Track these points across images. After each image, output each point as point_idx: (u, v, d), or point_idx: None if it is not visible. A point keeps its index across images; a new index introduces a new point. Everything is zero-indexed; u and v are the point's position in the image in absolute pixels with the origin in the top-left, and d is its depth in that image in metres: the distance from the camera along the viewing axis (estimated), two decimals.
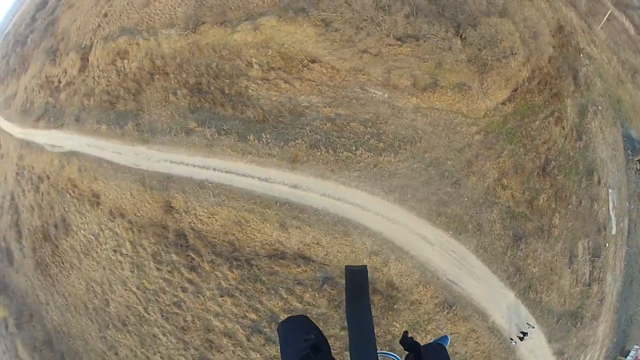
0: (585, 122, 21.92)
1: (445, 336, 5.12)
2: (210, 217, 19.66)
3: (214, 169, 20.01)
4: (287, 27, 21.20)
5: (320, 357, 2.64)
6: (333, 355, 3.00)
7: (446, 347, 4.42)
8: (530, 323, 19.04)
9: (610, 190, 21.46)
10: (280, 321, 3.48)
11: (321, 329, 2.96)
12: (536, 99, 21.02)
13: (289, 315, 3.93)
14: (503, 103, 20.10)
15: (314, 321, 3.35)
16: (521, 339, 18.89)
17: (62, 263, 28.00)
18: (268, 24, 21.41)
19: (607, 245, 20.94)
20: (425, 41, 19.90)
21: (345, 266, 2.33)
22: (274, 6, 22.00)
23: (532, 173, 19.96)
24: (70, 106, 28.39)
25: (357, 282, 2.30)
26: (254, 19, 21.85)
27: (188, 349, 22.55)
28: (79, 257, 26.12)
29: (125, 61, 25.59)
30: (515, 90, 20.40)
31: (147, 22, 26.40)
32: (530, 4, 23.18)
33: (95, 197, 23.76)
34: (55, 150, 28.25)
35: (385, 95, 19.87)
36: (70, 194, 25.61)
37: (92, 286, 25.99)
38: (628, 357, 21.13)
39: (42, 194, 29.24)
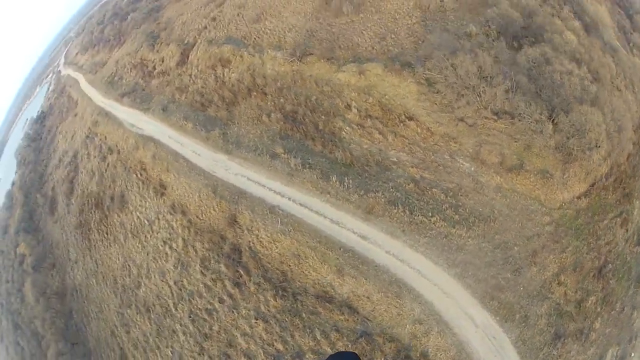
0: None
1: None
2: (271, 243, 20.19)
3: (289, 199, 20.67)
4: (392, 79, 21.97)
5: None
6: None
7: None
8: None
9: None
10: (329, 354, 3.71)
11: None
12: (609, 196, 20.83)
13: (340, 350, 4.22)
14: (579, 197, 19.96)
15: None
16: None
17: (107, 234, 28.94)
18: (373, 71, 22.26)
19: (632, 355, 20.38)
20: (519, 120, 20.20)
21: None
22: (383, 54, 22.85)
23: (589, 274, 19.69)
24: (159, 94, 29.89)
25: None
26: (360, 62, 22.76)
27: (203, 355, 22.75)
28: (126, 235, 26.99)
29: (226, 70, 26.95)
30: (593, 185, 20.26)
31: (254, 38, 27.83)
32: (619, 94, 23.13)
33: (162, 187, 24.72)
34: (133, 130, 29.64)
35: (472, 169, 20.24)
36: (137, 175, 26.71)
37: (129, 265, 26.70)
38: None
39: (108, 164, 30.55)
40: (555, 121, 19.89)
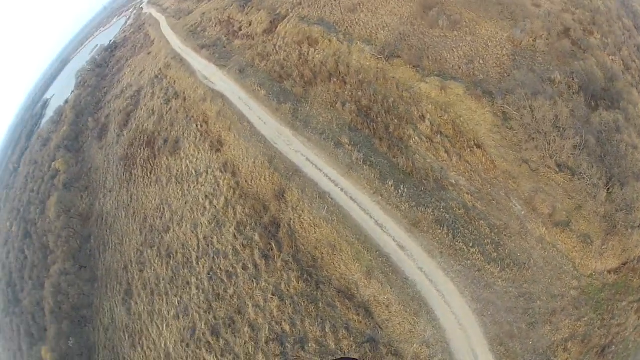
0: None
1: None
2: (311, 226, 20.33)
3: (342, 189, 20.78)
4: (470, 103, 21.92)
5: None
6: None
7: None
8: None
9: None
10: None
11: None
12: (635, 280, 20.25)
13: (345, 357, 4.27)
14: (609, 272, 19.55)
15: None
16: None
17: (150, 173, 29.72)
18: (455, 90, 22.19)
19: None
20: (579, 179, 19.95)
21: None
22: (467, 77, 22.75)
23: (593, 349, 19.11)
24: (239, 56, 30.49)
25: None
26: (444, 78, 22.76)
27: (209, 313, 23.19)
28: (169, 179, 27.66)
29: (312, 49, 27.27)
30: (625, 264, 19.81)
31: (347, 27, 28.06)
32: None
33: (219, 143, 25.20)
34: (204, 82, 30.35)
35: (522, 213, 19.98)
36: (197, 126, 27.32)
37: (163, 208, 27.33)
38: None
39: (170, 108, 31.38)
40: (610, 190, 19.72)
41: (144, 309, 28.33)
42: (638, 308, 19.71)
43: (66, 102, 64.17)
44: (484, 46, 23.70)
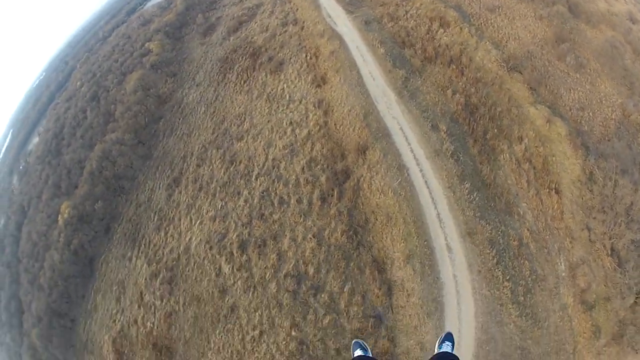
0: None
1: (449, 333, 5.36)
2: (378, 191, 20.98)
3: (421, 170, 21.36)
4: (567, 148, 21.61)
5: None
6: None
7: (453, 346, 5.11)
8: None
9: None
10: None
11: None
12: None
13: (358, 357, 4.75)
14: None
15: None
16: None
17: (244, 82, 31.01)
18: (558, 129, 21.95)
19: None
20: (620, 274, 19.36)
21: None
22: (574, 122, 22.47)
23: None
24: (369, 8, 30.78)
25: None
26: (554, 112, 22.48)
27: (246, 227, 24.36)
28: (260, 95, 28.78)
29: (442, 30, 27.14)
30: None
31: (481, 23, 27.69)
32: None
33: (322, 80, 25.88)
34: (327, 20, 30.91)
35: (563, 274, 19.78)
36: (306, 56, 28.11)
37: (244, 118, 28.59)
38: None
39: (285, 32, 32.30)
40: (637, 301, 19.31)
41: (185, 199, 29.92)
42: None
43: None
44: (598, 101, 23.20)
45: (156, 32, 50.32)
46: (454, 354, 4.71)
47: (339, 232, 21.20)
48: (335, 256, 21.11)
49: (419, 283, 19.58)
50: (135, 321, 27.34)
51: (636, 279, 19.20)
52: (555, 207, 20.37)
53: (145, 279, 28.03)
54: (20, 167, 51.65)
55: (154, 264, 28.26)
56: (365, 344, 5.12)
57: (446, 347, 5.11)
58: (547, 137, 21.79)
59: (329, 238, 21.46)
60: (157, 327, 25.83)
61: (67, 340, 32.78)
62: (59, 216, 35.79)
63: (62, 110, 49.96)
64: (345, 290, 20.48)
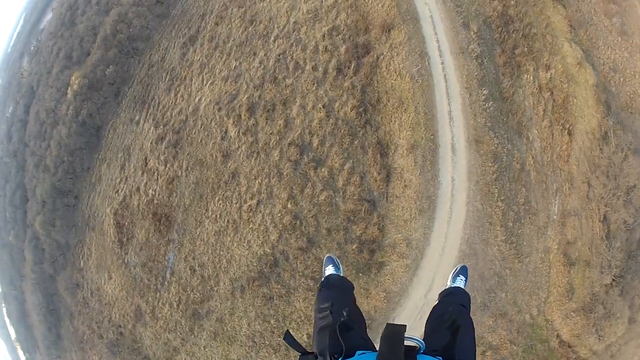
0: None
1: (464, 267, 5.44)
2: (395, 74, 21.13)
3: (442, 63, 21.02)
4: (590, 98, 21.00)
5: (348, 336, 2.79)
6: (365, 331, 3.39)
7: (466, 281, 5.21)
8: None
9: None
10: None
11: None
12: None
13: (331, 276, 4.72)
14: (557, 336, 19.87)
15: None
16: None
17: None
18: (587, 76, 21.00)
19: None
20: (606, 247, 19.93)
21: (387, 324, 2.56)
22: (603, 78, 21.45)
23: None
24: None
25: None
26: (589, 58, 21.57)
27: (257, 89, 24.57)
28: None
29: None
30: (570, 346, 20.05)
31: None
32: None
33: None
34: None
35: (554, 217, 20.18)
36: None
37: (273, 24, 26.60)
38: None
39: None
40: (613, 283, 20.03)
41: (199, 58, 29.61)
42: None
43: None
44: (631, 73, 22.22)
45: None
46: (466, 292, 4.69)
47: (349, 107, 21.41)
48: (342, 130, 21.49)
49: (418, 176, 20.12)
50: (138, 189, 28.80)
51: (618, 261, 19.78)
52: (564, 147, 20.39)
53: (151, 142, 29.02)
54: (32, 48, 50.34)
55: (161, 126, 29.05)
56: (338, 261, 5.05)
57: (460, 282, 5.15)
58: (574, 77, 21.15)
59: (338, 111, 21.71)
60: (159, 195, 27.18)
61: (69, 221, 34.65)
62: (69, 88, 35.83)
63: None
64: (345, 168, 21.18)
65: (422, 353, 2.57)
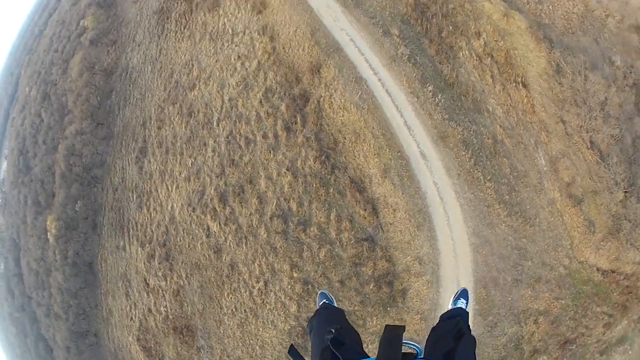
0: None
1: (465, 290, 5.50)
2: (340, 109, 20.65)
3: (379, 80, 20.95)
4: (529, 40, 21.07)
5: (342, 350, 2.89)
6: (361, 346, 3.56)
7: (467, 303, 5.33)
8: None
9: None
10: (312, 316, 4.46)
11: None
12: (614, 294, 20.41)
13: (322, 305, 4.96)
14: (598, 270, 19.57)
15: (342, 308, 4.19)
16: None
17: (184, 28, 29.59)
18: (517, 22, 21.36)
19: None
20: (605, 167, 19.49)
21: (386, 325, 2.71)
22: (533, 15, 21.76)
23: (557, 336, 19.78)
24: None
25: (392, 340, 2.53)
26: (510, 5, 21.81)
27: (220, 178, 24.10)
28: (203, 36, 27.52)
29: None
30: (613, 272, 19.93)
31: None
32: None
33: (262, 5, 24.69)
34: None
35: (545, 169, 19.80)
36: None
37: (192, 64, 27.49)
38: None
39: None
40: (627, 195, 19.59)
41: (156, 167, 29.38)
42: (607, 322, 19.84)
43: None
44: None
45: (88, 7, 47.15)
46: (466, 310, 4.91)
47: (311, 159, 21.05)
48: (314, 185, 21.10)
49: (402, 196, 19.81)
50: (150, 310, 28.10)
51: (622, 174, 19.40)
52: (525, 101, 20.20)
53: (144, 262, 28.43)
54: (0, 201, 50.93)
55: (147, 244, 28.55)
56: (331, 295, 5.19)
57: (461, 304, 5.21)
58: (506, 30, 21.19)
59: (302, 168, 21.32)
60: (171, 309, 26.53)
61: (99, 358, 33.94)
62: (48, 234, 35.85)
63: (19, 123, 48.68)
64: (332, 218, 20.72)
65: (420, 358, 2.82)
